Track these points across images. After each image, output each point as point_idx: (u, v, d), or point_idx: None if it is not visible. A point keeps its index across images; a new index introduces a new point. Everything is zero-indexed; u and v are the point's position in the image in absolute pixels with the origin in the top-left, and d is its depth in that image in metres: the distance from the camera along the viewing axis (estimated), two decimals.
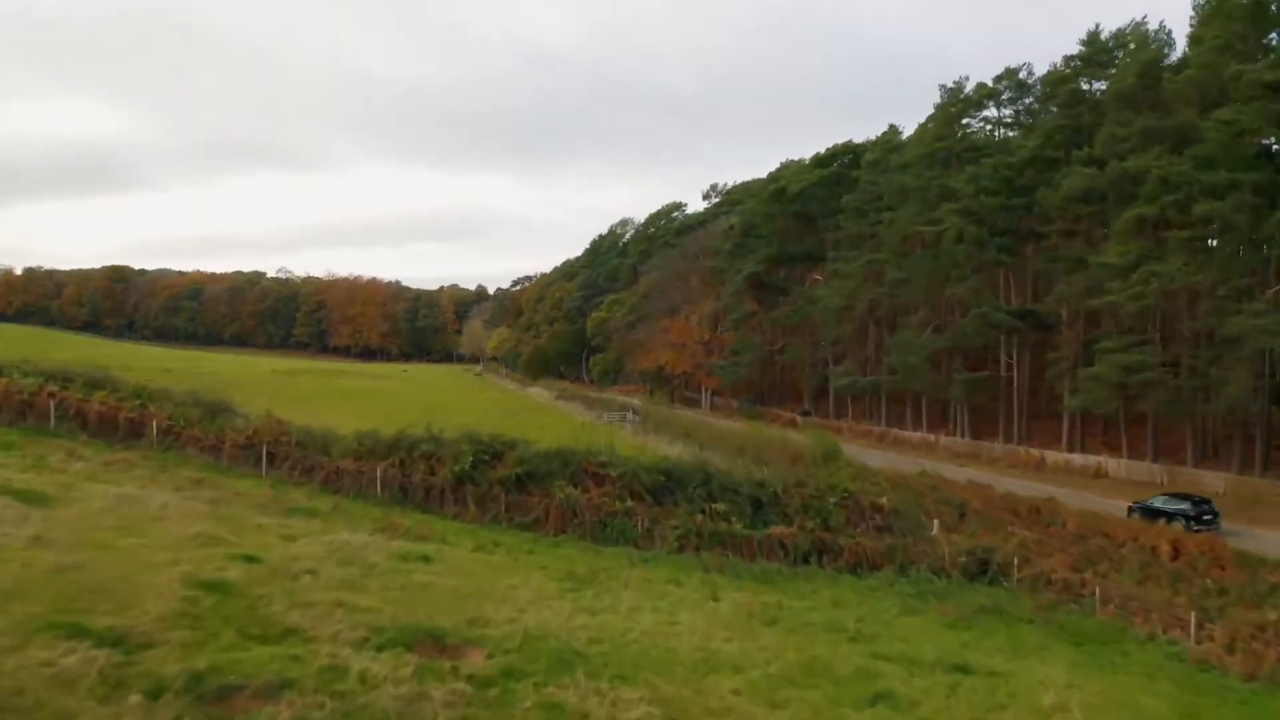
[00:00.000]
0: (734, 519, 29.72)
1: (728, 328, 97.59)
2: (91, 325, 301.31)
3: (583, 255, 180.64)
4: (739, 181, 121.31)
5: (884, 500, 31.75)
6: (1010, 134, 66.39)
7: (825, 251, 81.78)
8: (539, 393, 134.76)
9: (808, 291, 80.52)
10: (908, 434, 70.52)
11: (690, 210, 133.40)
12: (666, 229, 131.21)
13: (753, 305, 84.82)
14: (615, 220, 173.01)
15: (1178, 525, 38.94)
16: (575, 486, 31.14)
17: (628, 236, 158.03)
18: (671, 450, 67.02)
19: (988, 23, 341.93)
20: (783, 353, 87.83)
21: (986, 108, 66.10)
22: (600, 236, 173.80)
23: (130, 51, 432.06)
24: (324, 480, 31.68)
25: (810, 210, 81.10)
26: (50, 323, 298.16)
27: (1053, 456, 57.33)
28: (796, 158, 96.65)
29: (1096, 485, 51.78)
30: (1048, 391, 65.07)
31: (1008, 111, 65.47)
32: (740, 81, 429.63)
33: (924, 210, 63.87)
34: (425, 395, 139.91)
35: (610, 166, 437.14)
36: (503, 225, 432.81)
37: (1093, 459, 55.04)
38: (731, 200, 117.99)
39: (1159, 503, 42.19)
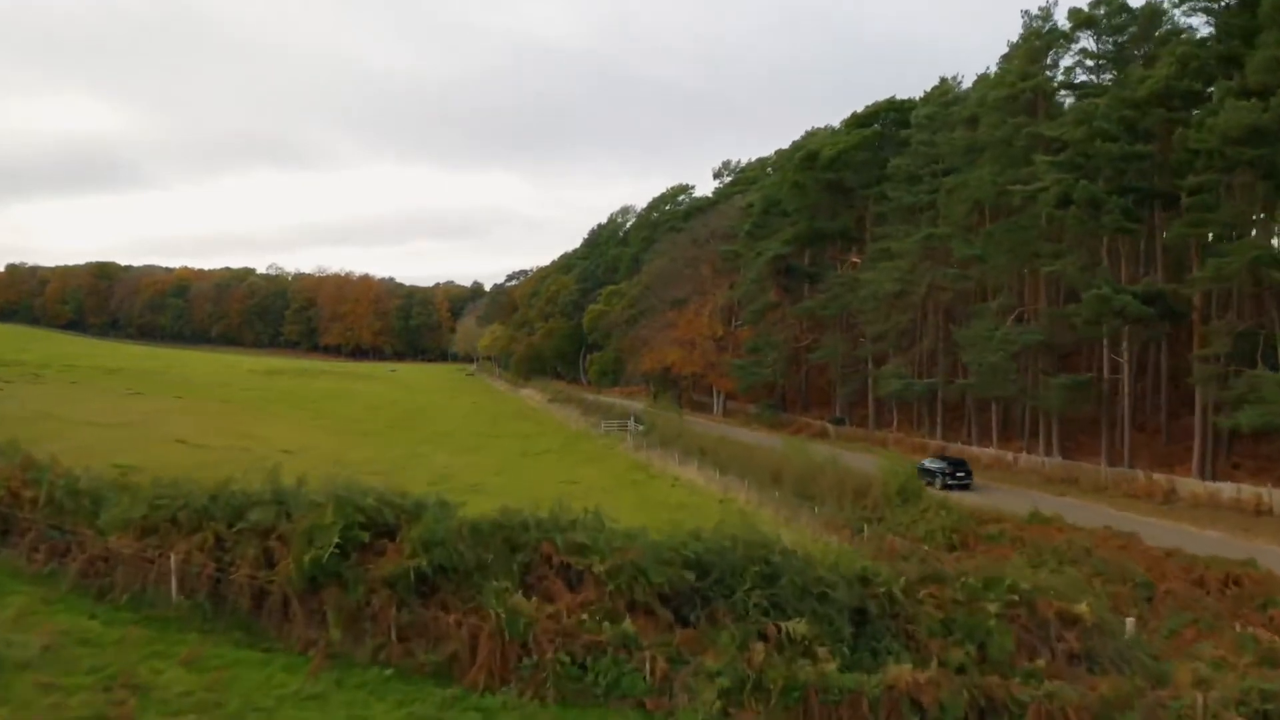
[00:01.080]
0: (822, 649, 15.87)
1: (745, 321, 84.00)
2: (76, 323, 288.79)
3: (581, 247, 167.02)
4: (756, 157, 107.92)
5: (1082, 609, 17.97)
6: (1106, 77, 52.79)
7: (865, 229, 68.35)
8: (531, 395, 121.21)
9: (844, 276, 67.01)
10: (973, 450, 56.80)
11: (700, 194, 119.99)
12: (672, 213, 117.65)
13: (776, 294, 71.18)
14: (616, 209, 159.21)
15: None
16: (528, 591, 17.04)
17: (629, 225, 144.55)
18: (683, 472, 53.83)
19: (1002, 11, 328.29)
20: (812, 350, 74.16)
21: (1079, 40, 52.45)
22: (600, 226, 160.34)
23: (130, 47, 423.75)
24: (84, 570, 18.01)
25: (846, 180, 67.58)
26: (34, 320, 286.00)
27: (1186, 485, 43.46)
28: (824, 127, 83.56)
29: (1263, 528, 37.98)
30: (1158, 397, 51.50)
31: (1107, 44, 51.70)
32: (747, 76, 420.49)
33: (1006, 168, 50.30)
34: (404, 398, 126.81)
35: (615, 163, 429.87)
36: (506, 223, 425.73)
37: (1247, 490, 41.17)
38: (747, 178, 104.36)
39: (927, 463, 50.19)
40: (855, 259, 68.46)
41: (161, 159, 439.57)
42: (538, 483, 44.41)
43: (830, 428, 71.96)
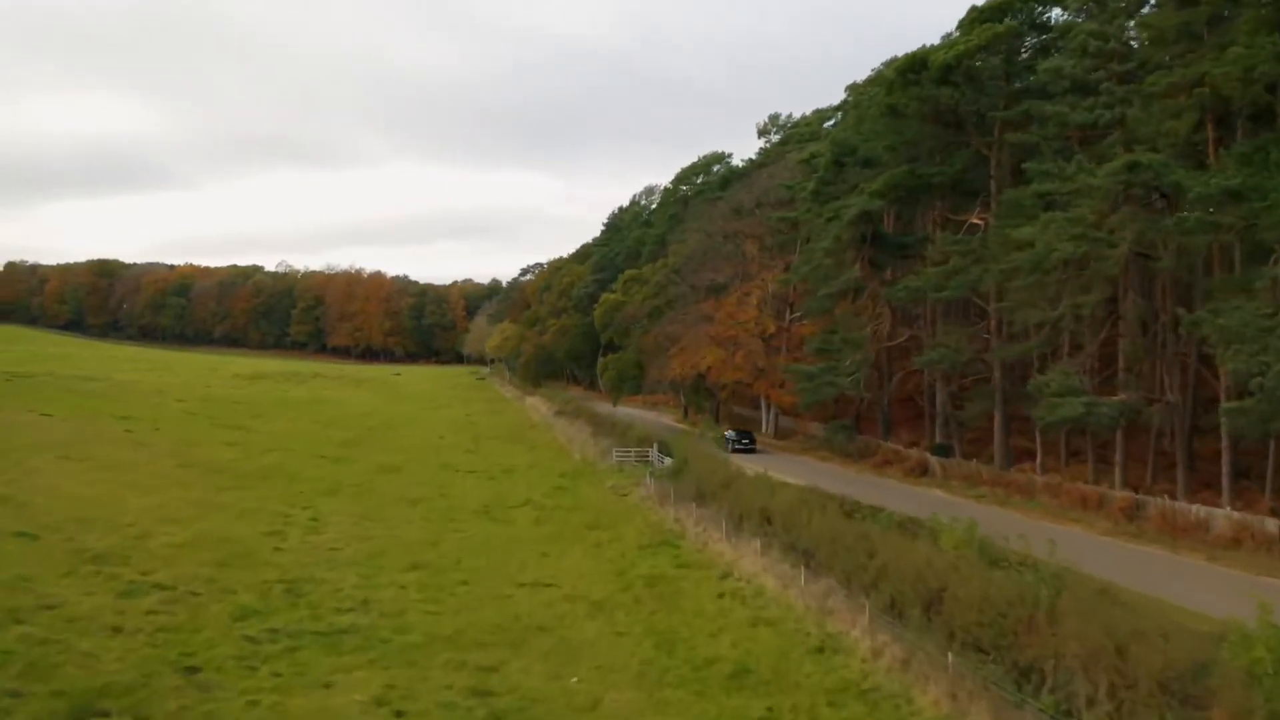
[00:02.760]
0: None
1: (807, 313, 62.80)
2: (75, 324, 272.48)
3: (601, 234, 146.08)
4: (812, 109, 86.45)
5: None
6: None
7: (988, 176, 46.96)
8: (537, 405, 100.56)
9: (964, 242, 45.52)
10: (1194, 511, 35.08)
11: (740, 164, 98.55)
12: (706, 184, 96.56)
13: (862, 271, 49.50)
14: (640, 190, 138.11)
15: None
16: None
17: (654, 205, 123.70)
18: (738, 556, 32.81)
19: None
20: (910, 353, 52.71)
21: None
22: (620, 209, 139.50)
23: (154, 46, 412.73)
24: None
25: (963, 104, 46.27)
26: (32, 320, 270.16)
27: None
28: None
29: None
30: None
31: None
32: (772, 71, 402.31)
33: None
34: (385, 408, 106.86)
35: (643, 160, 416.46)
36: (533, 222, 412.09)
37: None
38: (802, 134, 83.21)
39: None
40: (976, 220, 47.03)
41: (185, 158, 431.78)
42: (472, 604, 24.10)
43: (934, 461, 50.72)
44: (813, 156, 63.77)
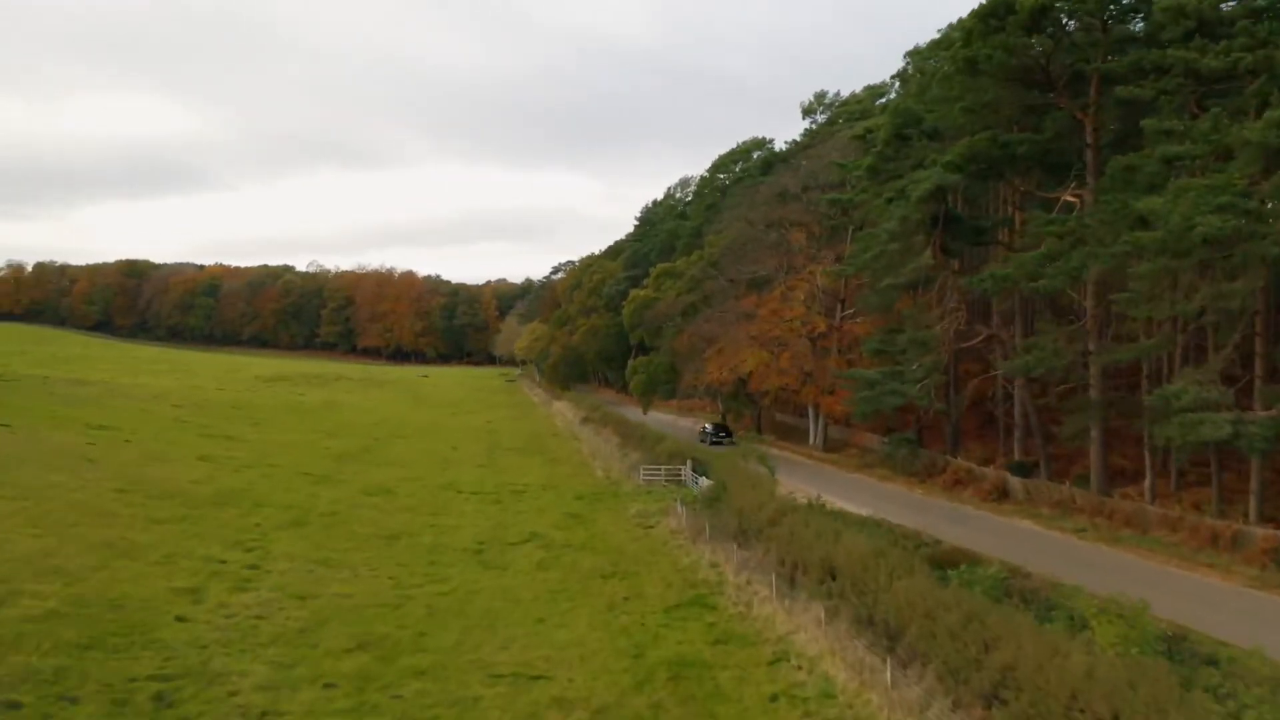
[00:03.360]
0: None
1: (866, 308, 55.19)
2: (104, 325, 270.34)
3: (634, 230, 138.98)
4: (863, 86, 78.56)
5: None
6: None
7: (1083, 145, 39.13)
8: (564, 410, 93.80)
9: (1061, 222, 37.54)
10: None
11: (781, 148, 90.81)
12: (746, 171, 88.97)
13: (934, 257, 41.45)
14: (674, 182, 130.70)
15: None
16: None
17: (689, 197, 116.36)
18: (794, 627, 24.84)
19: None
20: (982, 355, 44.89)
21: None
22: (654, 203, 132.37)
23: (194, 49, 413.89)
24: None
25: (1054, 61, 38.47)
26: (61, 322, 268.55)
27: None
28: None
29: None
30: None
31: None
32: (820, 67, 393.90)
33: None
34: (405, 414, 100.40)
35: (683, 160, 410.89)
36: (573, 223, 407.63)
37: None
38: (852, 112, 75.45)
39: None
40: (1071, 197, 39.19)
41: (223, 160, 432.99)
42: (419, 716, 16.91)
43: (1015, 483, 43.04)
44: (868, 131, 56.16)
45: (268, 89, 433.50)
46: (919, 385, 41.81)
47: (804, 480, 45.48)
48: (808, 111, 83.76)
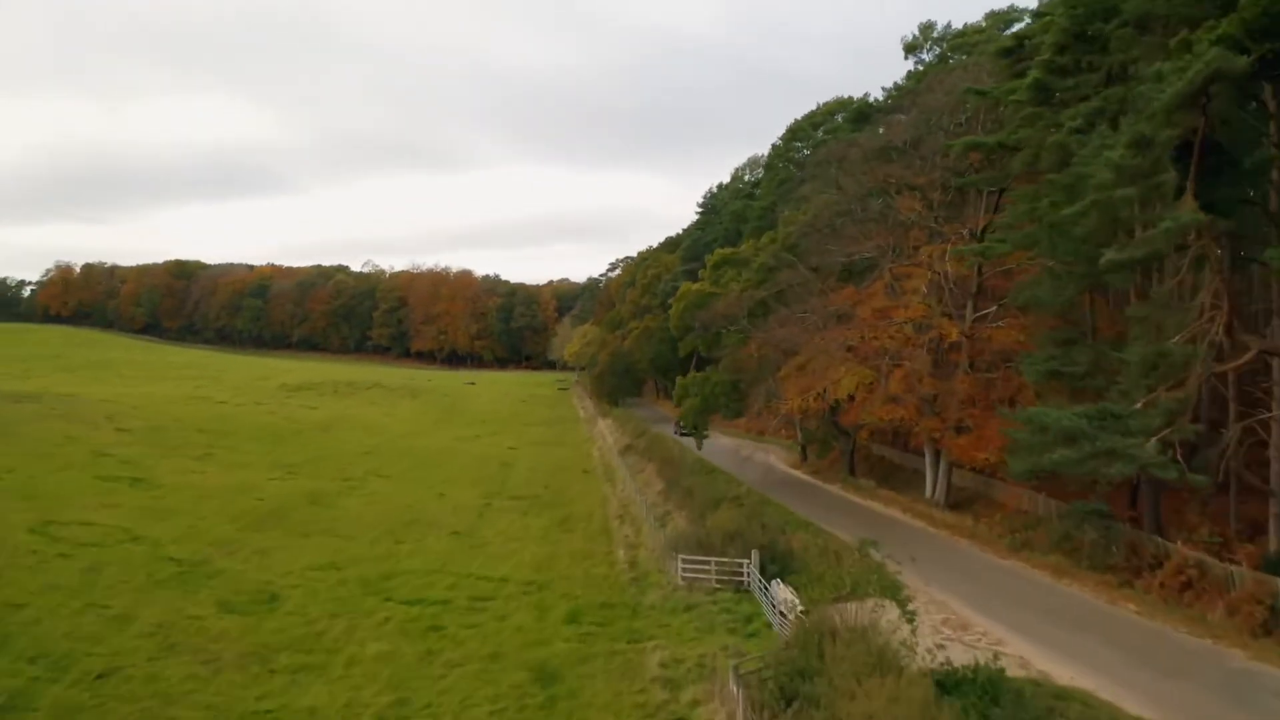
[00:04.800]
0: None
1: (1031, 303, 36.71)
2: (151, 328, 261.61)
3: (696, 220, 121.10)
4: (989, 11, 59.49)
5: None
6: None
7: None
8: (606, 433, 77.12)
9: None
10: None
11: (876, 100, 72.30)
12: (832, 133, 70.80)
13: (1192, 210, 23.49)
14: (742, 163, 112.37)
15: None
16: None
17: (760, 174, 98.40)
18: None
19: None
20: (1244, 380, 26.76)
21: None
22: (719, 187, 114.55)
23: (265, 52, 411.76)
24: None
25: None
26: (108, 324, 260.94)
27: None
28: None
29: None
30: None
31: None
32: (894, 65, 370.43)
33: None
34: (417, 434, 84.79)
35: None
36: (645, 223, 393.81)
37: None
38: (972, 42, 57.10)
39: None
40: None
41: (291, 161, 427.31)
42: None
43: None
44: (1020, 42, 37.99)
45: (339, 91, 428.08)
46: (1155, 439, 23.71)
47: (932, 574, 27.89)
48: (910, 48, 64.72)
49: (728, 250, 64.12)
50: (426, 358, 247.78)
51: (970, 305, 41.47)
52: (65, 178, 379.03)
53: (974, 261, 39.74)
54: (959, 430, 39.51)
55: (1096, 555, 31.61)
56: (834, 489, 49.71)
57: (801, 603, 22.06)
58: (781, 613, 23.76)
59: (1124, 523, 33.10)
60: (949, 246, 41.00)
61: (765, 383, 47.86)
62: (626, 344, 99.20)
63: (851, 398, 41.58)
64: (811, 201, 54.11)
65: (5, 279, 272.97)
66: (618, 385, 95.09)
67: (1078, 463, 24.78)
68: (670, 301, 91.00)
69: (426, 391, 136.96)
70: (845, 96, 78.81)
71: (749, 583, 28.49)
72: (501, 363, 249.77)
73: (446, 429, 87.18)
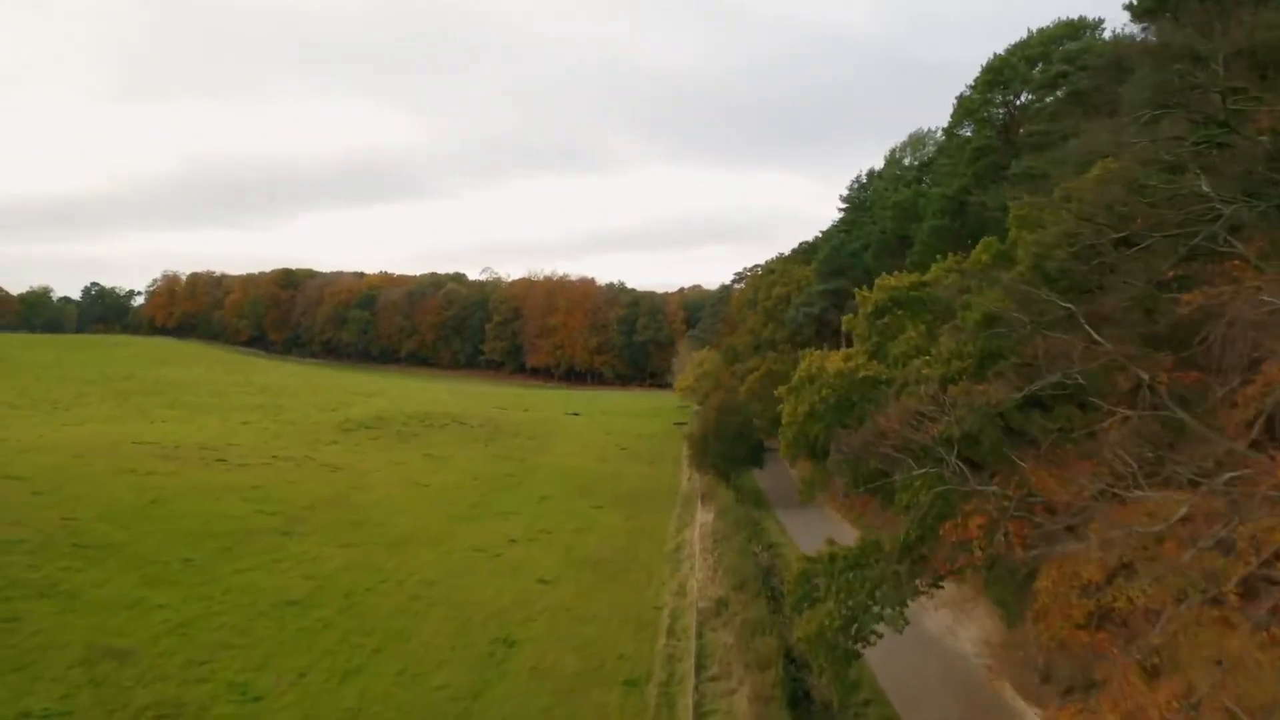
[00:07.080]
0: None
1: None
2: (257, 340, 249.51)
3: (838, 221, 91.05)
4: None
5: None
6: None
7: None
8: (696, 542, 50.03)
9: None
10: None
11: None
12: (1059, 77, 41.69)
13: None
14: (899, 142, 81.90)
15: None
16: None
17: (929, 156, 69.00)
18: None
19: None
20: None
21: None
22: (868, 175, 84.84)
23: (412, 59, 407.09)
24: None
25: None
26: (213, 337, 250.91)
27: None
28: None
29: None
30: None
31: None
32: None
33: None
34: (429, 531, 59.37)
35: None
36: (791, 223, 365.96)
37: None
38: None
39: None
40: None
41: (430, 167, 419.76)
42: None
43: None
44: None
45: (480, 95, 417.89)
46: None
47: None
48: None
49: (903, 281, 35.52)
50: (543, 374, 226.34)
51: None
52: (211, 183, 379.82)
53: None
54: None
55: None
56: None
57: None
58: None
59: None
60: None
61: None
62: (742, 391, 71.29)
63: None
64: (1067, 160, 25.35)
65: (115, 288, 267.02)
66: (727, 453, 67.10)
67: None
68: (802, 332, 62.72)
69: (509, 432, 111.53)
70: (1070, 19, 49.12)
71: None
72: (624, 380, 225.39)
73: (479, 521, 61.02)
